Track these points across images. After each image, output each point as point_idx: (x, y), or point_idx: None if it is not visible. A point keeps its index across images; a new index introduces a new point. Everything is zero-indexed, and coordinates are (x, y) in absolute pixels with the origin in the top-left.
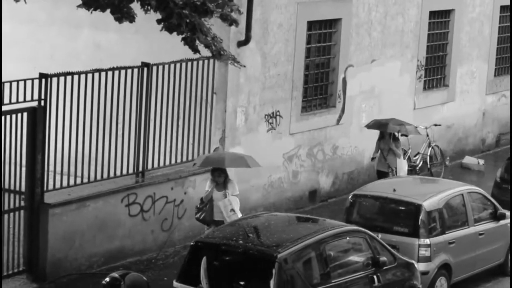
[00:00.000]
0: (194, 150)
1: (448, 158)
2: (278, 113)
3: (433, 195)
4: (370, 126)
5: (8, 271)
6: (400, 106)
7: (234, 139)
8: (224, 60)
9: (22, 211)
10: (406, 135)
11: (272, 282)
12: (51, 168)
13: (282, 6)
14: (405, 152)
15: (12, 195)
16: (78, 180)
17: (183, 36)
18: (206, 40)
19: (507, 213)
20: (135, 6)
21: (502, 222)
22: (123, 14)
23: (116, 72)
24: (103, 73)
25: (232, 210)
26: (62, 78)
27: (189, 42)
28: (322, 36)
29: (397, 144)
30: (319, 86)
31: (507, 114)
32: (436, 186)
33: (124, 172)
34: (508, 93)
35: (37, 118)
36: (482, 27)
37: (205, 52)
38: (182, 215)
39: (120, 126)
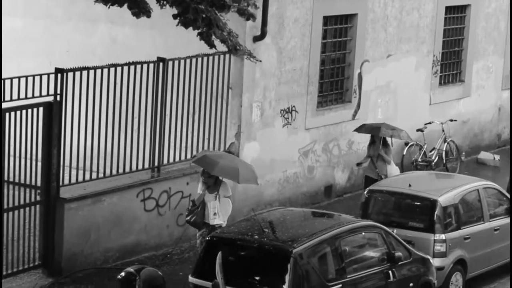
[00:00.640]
0: (210, 145)
1: (463, 153)
2: (293, 108)
3: (449, 190)
4: (360, 130)
5: (24, 265)
6: (415, 101)
7: (249, 134)
8: (240, 55)
9: (38, 206)
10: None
11: (287, 277)
12: (67, 162)
13: (298, 1)
14: (420, 148)
15: (28, 190)
16: (94, 175)
17: (199, 31)
18: (222, 35)
19: None
20: (151, 1)
21: None
22: (140, 9)
23: (132, 67)
24: (119, 68)
25: (216, 214)
26: (78, 73)
27: (205, 37)
28: (338, 31)
29: (387, 150)
30: (335, 81)
31: None
32: (451, 181)
33: (140, 167)
34: None
35: (53, 113)
36: (498, 23)
37: (221, 47)
38: None
39: (135, 121)
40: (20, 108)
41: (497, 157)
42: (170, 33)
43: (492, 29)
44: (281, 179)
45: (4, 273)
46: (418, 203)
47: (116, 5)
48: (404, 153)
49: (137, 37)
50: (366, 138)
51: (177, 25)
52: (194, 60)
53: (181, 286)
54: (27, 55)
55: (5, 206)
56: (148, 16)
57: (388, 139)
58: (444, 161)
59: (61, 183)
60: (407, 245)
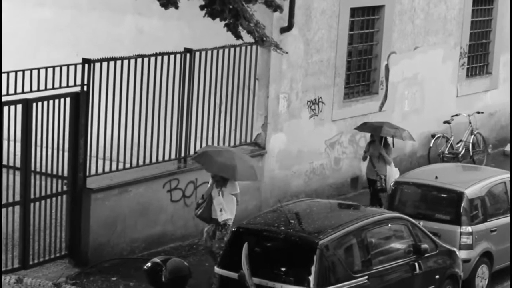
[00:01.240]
0: (237, 136)
1: (490, 145)
2: (320, 100)
3: (475, 182)
4: (362, 128)
5: (50, 255)
6: (442, 93)
7: (276, 125)
8: (267, 47)
9: (64, 196)
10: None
11: (313, 269)
12: (94, 153)
13: None
14: (447, 140)
15: (54, 180)
16: (120, 165)
17: (226, 22)
18: (249, 26)
19: None
20: None
21: None
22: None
23: (159, 58)
24: (145, 59)
25: (222, 210)
26: (105, 64)
27: (232, 28)
28: (365, 23)
29: (387, 150)
30: (362, 73)
31: None
32: (478, 173)
33: (166, 157)
34: None
35: (79, 103)
36: None
37: (248, 38)
38: None
39: (162, 111)
40: (47, 98)
41: None
42: (197, 24)
43: None
44: (307, 170)
45: (31, 262)
46: (445, 195)
47: None
48: (431, 145)
49: (164, 28)
50: None
51: (204, 16)
52: (221, 51)
53: (207, 277)
54: (55, 45)
55: (32, 196)
56: (176, 7)
57: (390, 139)
58: (471, 153)
59: (87, 174)
60: (433, 237)
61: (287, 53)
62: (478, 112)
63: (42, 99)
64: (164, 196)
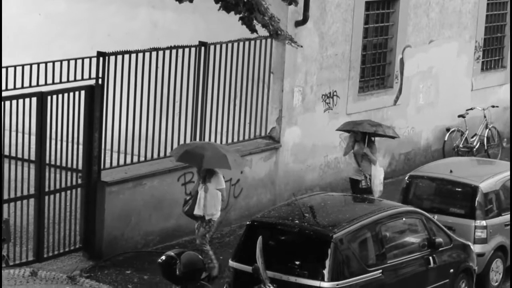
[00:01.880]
0: (251, 130)
1: (505, 139)
2: (335, 93)
3: (490, 176)
4: (342, 128)
5: (65, 248)
6: (457, 87)
7: (290, 119)
8: (282, 40)
9: (79, 189)
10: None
11: (327, 262)
12: (108, 146)
13: None
14: (462, 134)
15: (69, 173)
16: (135, 159)
17: (241, 15)
18: (263, 19)
19: None
20: None
21: None
22: None
23: (174, 51)
24: (160, 52)
25: (200, 204)
26: (119, 57)
27: (247, 22)
28: (380, 17)
29: (372, 149)
30: (377, 67)
31: None
32: (493, 167)
33: None
34: None
35: (94, 96)
36: None
37: (263, 31)
38: (238, 194)
39: (177, 105)
40: (62, 91)
41: None
42: (212, 18)
43: None
44: (322, 164)
45: (45, 255)
46: (459, 189)
47: None
48: (446, 139)
49: (179, 21)
50: (407, 123)
51: (218, 9)
52: (235, 44)
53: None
54: (70, 38)
55: (47, 189)
56: (191, 0)
57: (377, 139)
58: (486, 147)
59: (102, 167)
60: (447, 231)
61: (302, 46)
62: (493, 106)
63: (57, 92)
64: (179, 189)
